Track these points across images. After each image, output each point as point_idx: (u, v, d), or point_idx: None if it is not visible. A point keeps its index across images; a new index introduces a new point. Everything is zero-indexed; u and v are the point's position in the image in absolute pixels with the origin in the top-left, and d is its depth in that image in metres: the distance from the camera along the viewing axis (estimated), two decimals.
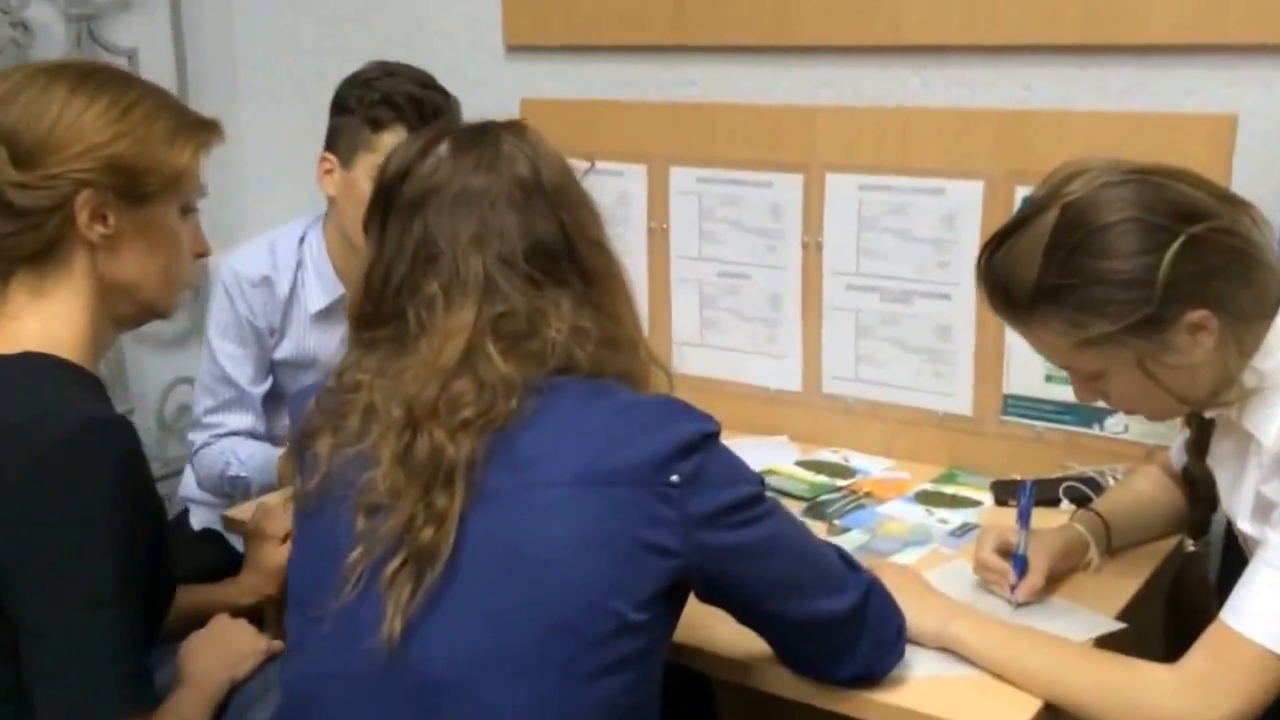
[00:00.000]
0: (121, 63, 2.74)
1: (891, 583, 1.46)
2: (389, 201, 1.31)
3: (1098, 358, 1.38)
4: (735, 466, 1.27)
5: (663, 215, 2.29)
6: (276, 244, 2.19)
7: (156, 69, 2.78)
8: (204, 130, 1.47)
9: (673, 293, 2.31)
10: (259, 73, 2.97)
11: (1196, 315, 1.32)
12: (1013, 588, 1.57)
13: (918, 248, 2.02)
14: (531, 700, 1.17)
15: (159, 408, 2.86)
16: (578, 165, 1.38)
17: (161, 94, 1.46)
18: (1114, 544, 1.69)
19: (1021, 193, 1.89)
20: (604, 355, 1.28)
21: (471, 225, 1.26)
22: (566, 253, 1.29)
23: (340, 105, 2.09)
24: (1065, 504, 1.86)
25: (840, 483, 2.03)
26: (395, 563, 1.18)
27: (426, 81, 2.08)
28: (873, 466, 2.11)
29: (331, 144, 2.10)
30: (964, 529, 1.83)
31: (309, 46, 2.83)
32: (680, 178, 2.25)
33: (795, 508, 1.93)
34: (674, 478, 1.20)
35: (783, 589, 1.30)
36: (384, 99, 2.03)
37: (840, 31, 2.06)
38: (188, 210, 1.48)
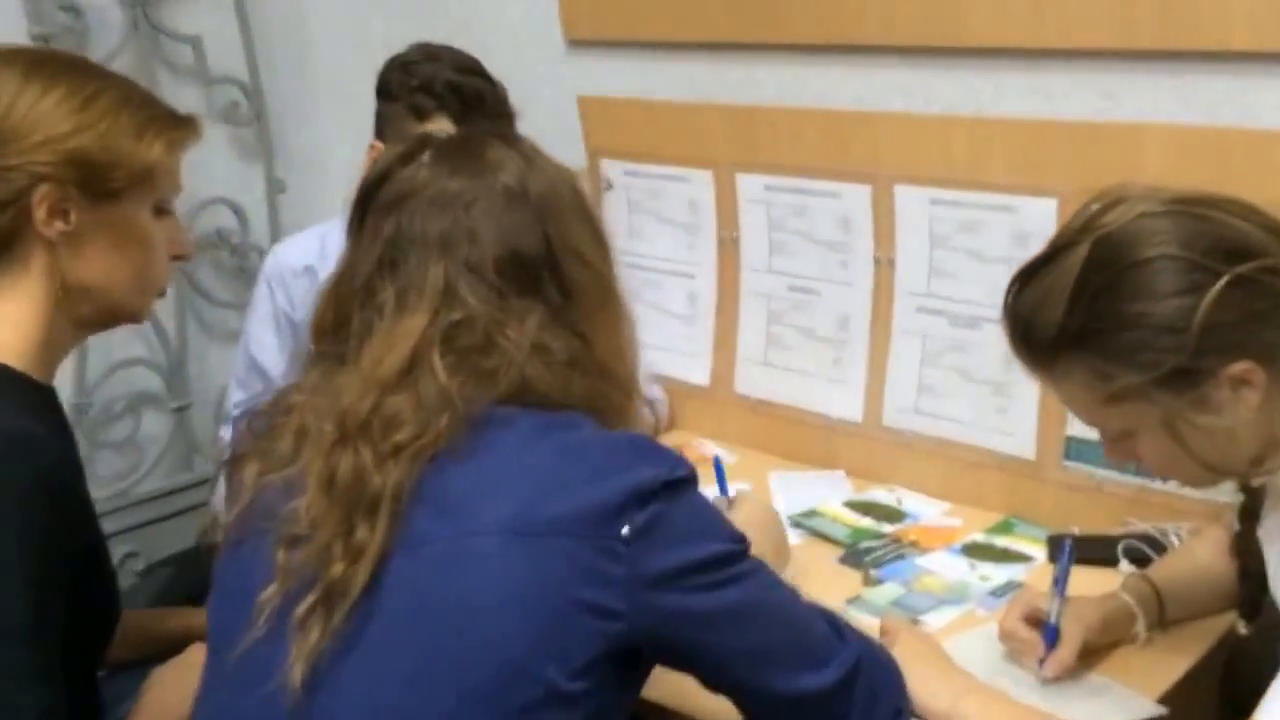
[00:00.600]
0: (185, 51, 2.73)
1: (906, 650, 1.31)
2: (365, 205, 1.21)
3: (1126, 414, 1.20)
4: (704, 520, 1.13)
5: (732, 224, 2.15)
6: (328, 235, 2.13)
7: (223, 58, 2.77)
8: (176, 125, 1.38)
9: (740, 307, 2.18)
10: (330, 64, 2.92)
11: (1239, 368, 1.13)
12: (1041, 661, 1.39)
13: (988, 269, 1.84)
14: None
15: (218, 401, 2.81)
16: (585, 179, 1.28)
17: (127, 84, 1.38)
18: (1168, 616, 1.48)
19: None
20: (571, 379, 1.15)
21: (440, 227, 1.16)
22: (547, 265, 1.17)
23: (383, 90, 2.02)
24: (1125, 564, 1.66)
25: (887, 528, 1.86)
26: (308, 601, 1.06)
27: (468, 66, 1.99)
28: (926, 510, 1.92)
29: (380, 132, 2.03)
30: (1007, 588, 1.64)
31: (378, 38, 2.76)
32: (747, 184, 2.11)
33: (833, 554, 1.78)
34: (624, 530, 1.06)
35: (755, 660, 1.13)
36: (423, 86, 1.95)
37: (909, 32, 1.89)
38: (162, 210, 1.39)
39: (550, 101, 2.36)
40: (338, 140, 2.90)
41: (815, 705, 1.16)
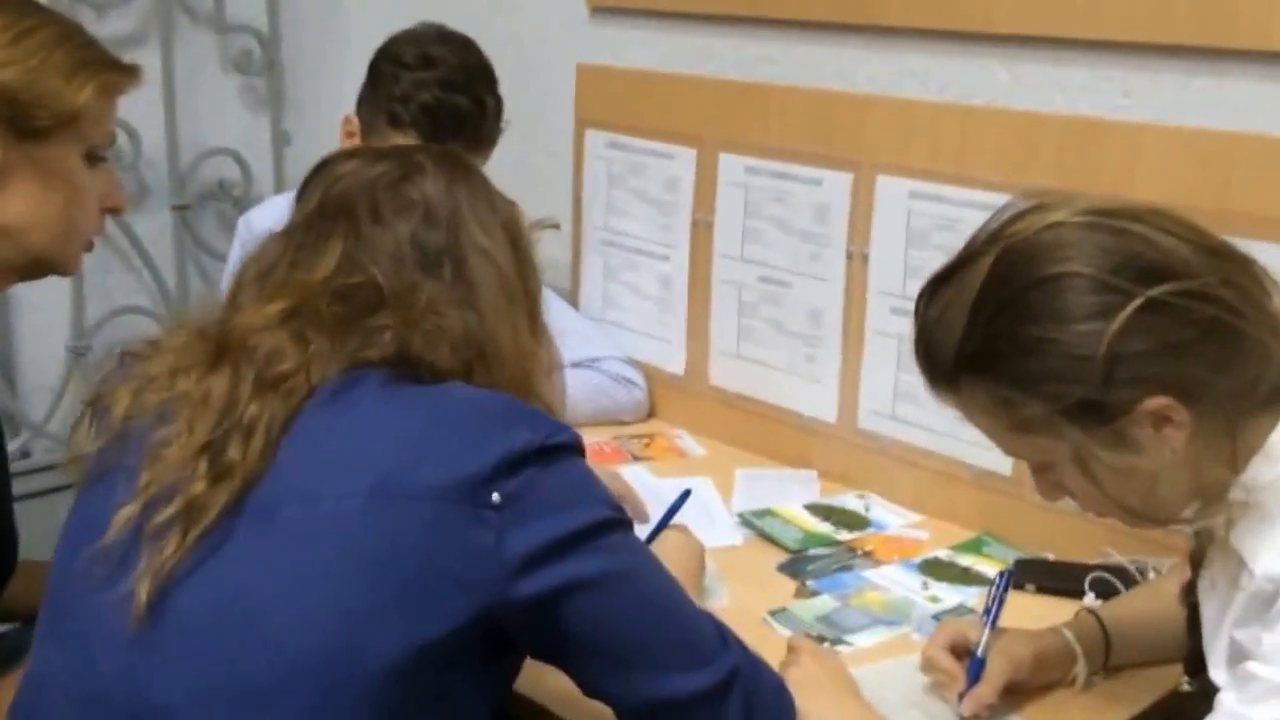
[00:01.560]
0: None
1: (802, 674, 1.23)
2: (310, 176, 1.23)
3: (1037, 446, 1.09)
4: (579, 488, 1.07)
5: (709, 206, 2.04)
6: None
7: (244, 6, 2.73)
8: (111, 69, 1.34)
9: (713, 294, 2.07)
10: (357, 22, 2.85)
11: (1156, 404, 1.01)
12: (961, 696, 1.28)
13: None
14: None
15: None
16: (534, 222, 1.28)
17: (68, 25, 1.34)
18: (1115, 660, 1.36)
19: None
20: (459, 355, 1.12)
21: (355, 202, 1.16)
22: (449, 253, 1.16)
23: (371, 73, 1.97)
24: (1090, 598, 1.54)
25: (844, 535, 1.74)
26: (166, 513, 1.02)
27: (458, 82, 1.91)
28: (893, 520, 1.81)
29: (358, 108, 1.98)
30: (956, 612, 1.53)
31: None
32: (728, 165, 2.00)
33: (775, 559, 1.67)
34: (494, 497, 1.01)
35: (621, 650, 1.07)
36: (402, 98, 1.89)
37: (929, 14, 1.78)
38: (95, 158, 1.36)
39: (557, 66, 2.29)
40: (350, 98, 2.81)
41: (683, 710, 1.08)
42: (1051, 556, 1.66)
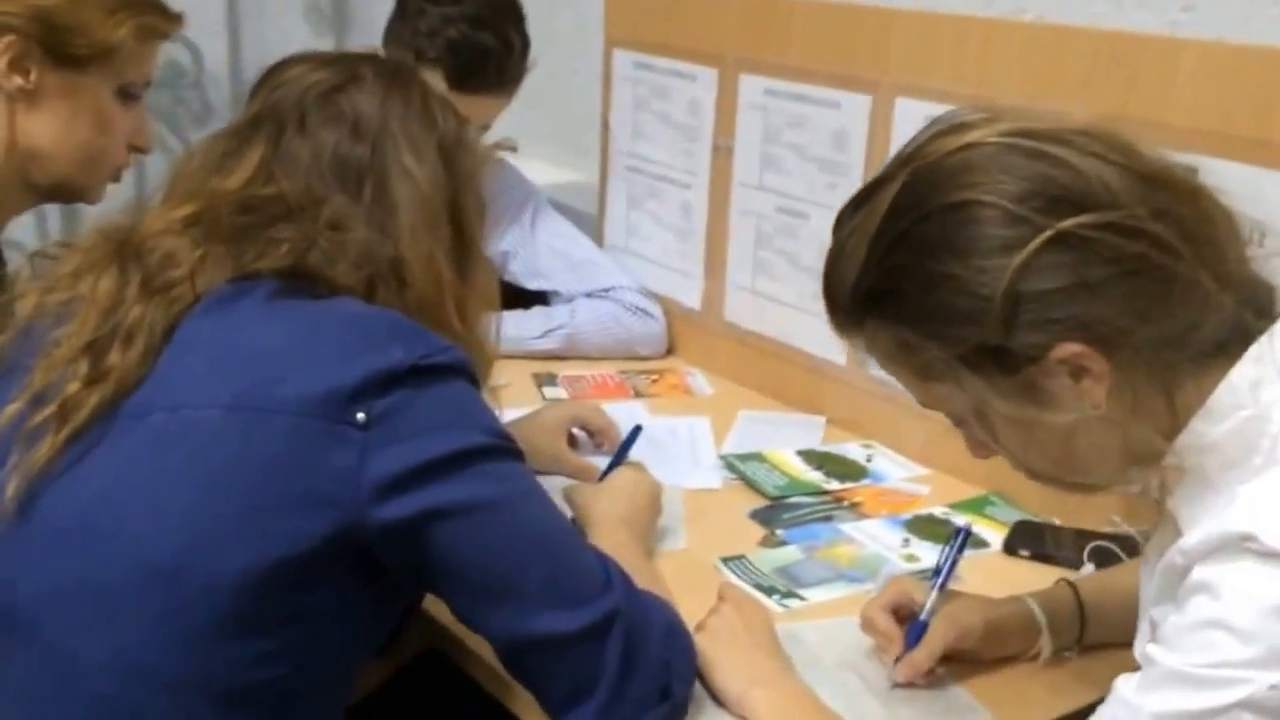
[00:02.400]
0: None
1: (721, 623, 1.15)
2: (254, 87, 1.21)
3: (947, 397, 0.96)
4: (455, 412, 1.00)
5: (729, 131, 1.90)
6: None
7: None
8: (153, 12, 1.40)
9: (730, 225, 1.93)
10: None
11: (1067, 351, 0.87)
12: (897, 660, 1.16)
13: None
14: (110, 652, 0.94)
15: None
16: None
17: None
18: (1091, 636, 1.22)
19: None
20: (358, 270, 1.07)
21: (284, 108, 1.14)
22: (371, 171, 1.12)
23: (401, 4, 1.93)
24: (1088, 568, 1.39)
25: (834, 485, 1.61)
26: (43, 414, 1.00)
27: (481, 20, 1.87)
28: (895, 473, 1.67)
29: (385, 40, 1.94)
30: (932, 574, 1.39)
31: None
32: (749, 87, 1.85)
33: (750, 504, 1.55)
34: (359, 416, 0.95)
35: (488, 582, 1.00)
36: (429, 32, 1.85)
37: None
38: (128, 96, 1.41)
39: None
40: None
41: (554, 650, 1.01)
42: (1058, 522, 1.50)
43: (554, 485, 1.45)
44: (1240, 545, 0.79)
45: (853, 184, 1.71)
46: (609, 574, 1.03)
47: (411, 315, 1.07)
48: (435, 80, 1.80)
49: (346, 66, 1.17)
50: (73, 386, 1.00)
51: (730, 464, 1.63)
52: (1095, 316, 0.86)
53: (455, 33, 1.84)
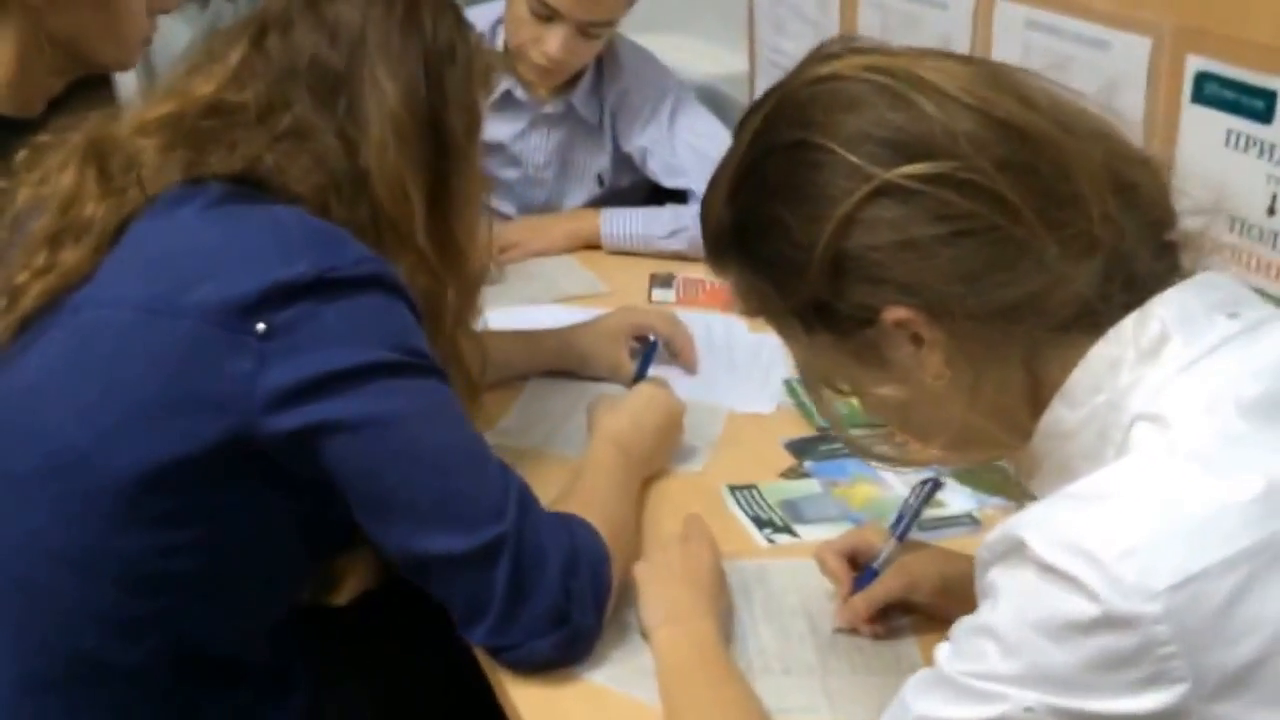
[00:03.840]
0: None
1: (659, 558, 1.16)
2: None
3: (801, 353, 0.89)
4: (360, 326, 1.02)
5: (852, 27, 1.80)
6: (476, 23, 2.03)
7: None
8: None
9: None
10: None
11: (895, 314, 0.79)
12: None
13: None
14: (24, 535, 1.03)
15: None
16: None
17: None
18: None
19: (1194, 65, 1.23)
20: (310, 178, 1.08)
21: (274, 12, 1.14)
22: (345, 83, 1.11)
23: None
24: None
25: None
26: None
27: None
28: None
29: None
30: (949, 522, 1.31)
31: None
32: None
33: (793, 432, 1.49)
34: (259, 326, 0.98)
35: (379, 497, 1.03)
36: None
37: None
38: None
39: None
40: None
41: (441, 570, 1.04)
42: None
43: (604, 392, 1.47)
44: (1021, 551, 0.72)
45: None
46: (507, 499, 1.04)
47: (366, 230, 1.08)
48: None
49: None
50: (22, 276, 1.06)
51: (792, 388, 1.58)
52: (922, 279, 0.78)
53: None
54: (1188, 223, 0.81)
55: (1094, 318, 0.77)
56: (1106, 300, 0.77)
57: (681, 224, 1.96)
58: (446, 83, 1.15)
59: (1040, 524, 0.71)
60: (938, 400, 0.82)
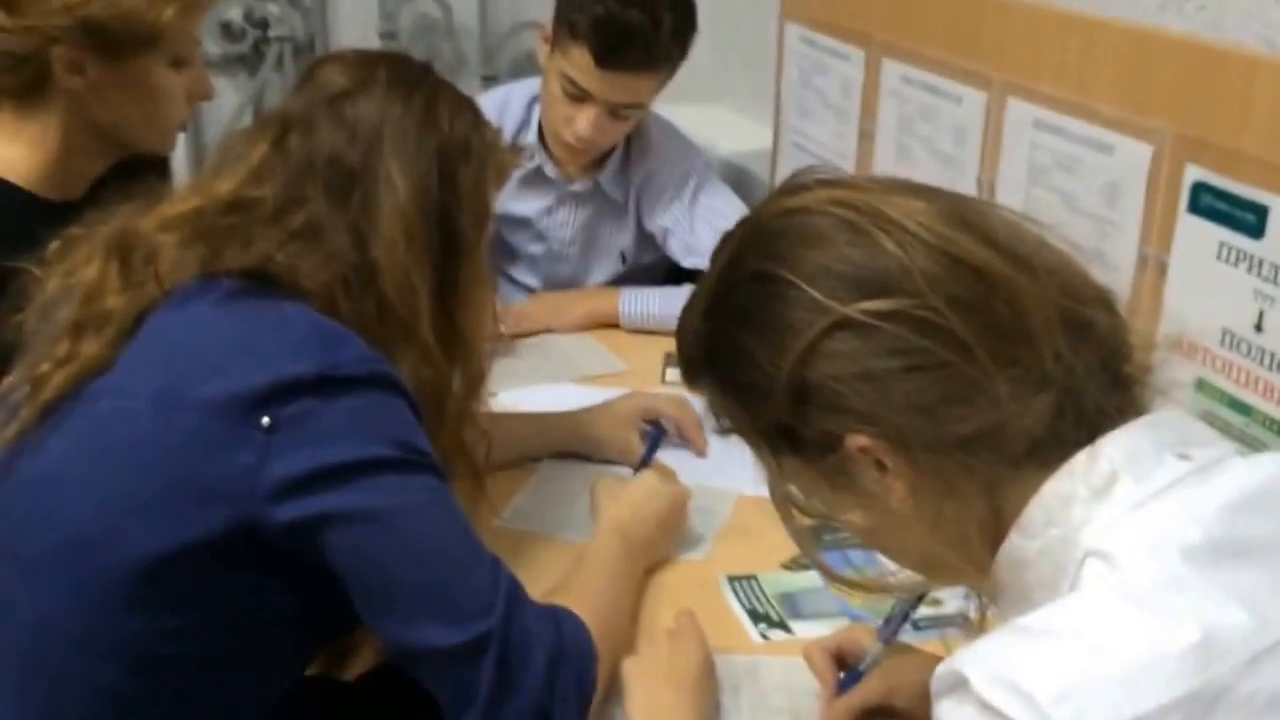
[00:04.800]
0: None
1: (648, 654, 1.18)
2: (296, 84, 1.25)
3: (771, 473, 0.91)
4: (359, 423, 1.05)
5: (872, 116, 1.83)
6: (512, 98, 2.10)
7: None
8: None
9: None
10: None
11: (859, 442, 0.81)
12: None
13: (1077, 223, 1.42)
14: (33, 616, 1.07)
15: None
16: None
17: None
18: None
19: (1192, 175, 1.24)
20: (320, 273, 1.11)
21: (295, 111, 1.17)
22: (360, 179, 1.14)
23: None
24: None
25: None
26: (23, 391, 1.10)
27: None
28: None
29: (554, 15, 1.92)
30: (944, 621, 1.31)
31: None
32: (890, 72, 1.77)
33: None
34: (264, 420, 1.02)
35: (375, 589, 1.06)
36: (580, 6, 1.83)
37: None
38: (180, 62, 1.48)
39: None
40: None
41: (430, 664, 1.06)
42: None
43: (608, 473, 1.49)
44: (965, 686, 0.73)
45: (968, 183, 1.63)
46: (496, 595, 1.06)
47: (372, 323, 1.11)
48: (582, 57, 1.83)
49: (365, 69, 1.19)
50: (45, 366, 1.09)
51: None
52: (881, 410, 0.80)
53: (601, 9, 1.80)
54: (1145, 357, 0.82)
55: (1047, 453, 0.79)
56: (1058, 436, 0.78)
57: None
58: (459, 180, 1.18)
59: (982, 660, 0.73)
60: (904, 524, 0.84)
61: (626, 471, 1.55)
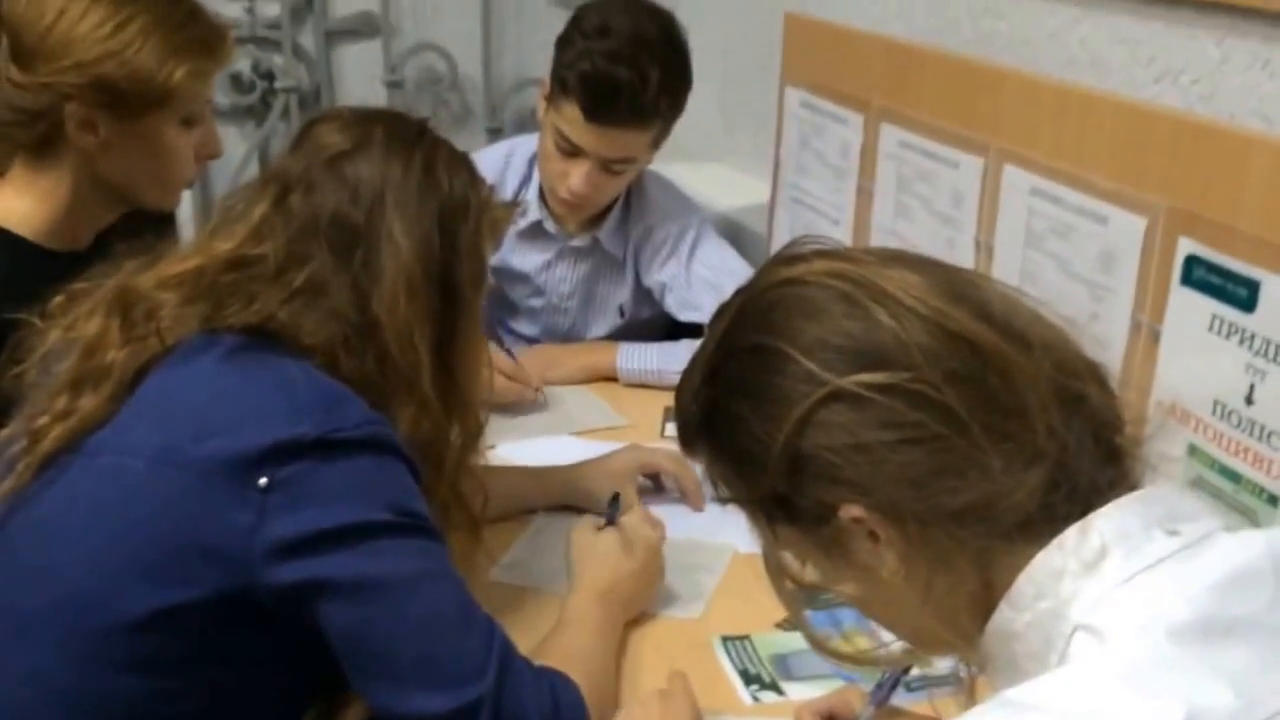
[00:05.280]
0: None
1: (639, 714, 1.19)
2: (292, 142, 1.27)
3: (769, 541, 0.92)
4: (356, 487, 1.06)
5: (870, 174, 1.85)
6: (515, 152, 2.12)
7: None
8: (201, 54, 1.46)
9: None
10: None
11: (852, 512, 0.82)
12: None
13: (1073, 288, 1.44)
14: (26, 670, 1.07)
15: None
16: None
17: (166, 6, 1.44)
18: None
19: (1185, 248, 1.26)
20: (323, 331, 1.13)
21: (297, 169, 1.19)
22: (363, 237, 1.16)
23: (560, 35, 1.94)
24: None
25: None
26: (22, 445, 1.11)
27: (619, 54, 1.84)
28: None
29: (551, 69, 1.95)
30: (932, 681, 1.32)
31: None
32: (888, 137, 1.80)
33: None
34: (261, 481, 1.03)
35: (367, 653, 1.06)
36: (570, 64, 1.86)
37: None
38: (191, 121, 1.50)
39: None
40: None
41: None
42: None
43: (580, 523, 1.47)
44: None
45: (966, 242, 1.65)
46: (489, 659, 1.07)
47: (373, 379, 1.12)
48: (572, 112, 1.86)
49: (362, 129, 1.20)
50: (43, 420, 1.10)
51: None
52: (874, 481, 0.81)
53: (590, 65, 1.83)
54: (1137, 430, 0.83)
55: (1038, 527, 0.80)
56: (1050, 510, 0.79)
57: None
58: (459, 238, 1.20)
59: None
60: (897, 595, 0.85)
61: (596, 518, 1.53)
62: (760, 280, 0.89)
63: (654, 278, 2.08)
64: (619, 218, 2.07)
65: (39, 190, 1.47)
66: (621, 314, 2.13)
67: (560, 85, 1.88)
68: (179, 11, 1.45)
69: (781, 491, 0.84)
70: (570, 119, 1.87)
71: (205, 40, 1.47)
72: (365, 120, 1.23)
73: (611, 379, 2.02)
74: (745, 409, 0.85)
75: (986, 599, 0.83)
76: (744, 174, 2.53)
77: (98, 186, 1.48)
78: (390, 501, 1.07)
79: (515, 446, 1.72)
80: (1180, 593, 0.74)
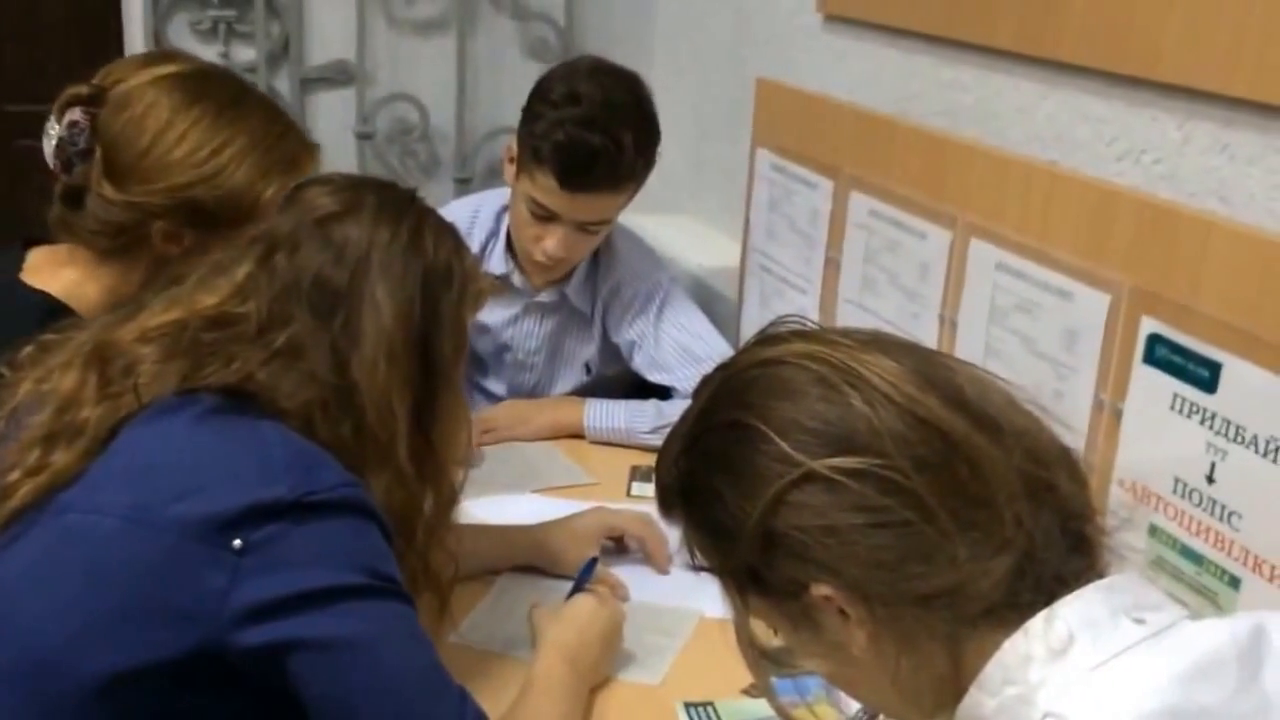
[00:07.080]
0: None
1: None
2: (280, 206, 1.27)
3: (739, 611, 0.94)
4: (329, 549, 1.05)
5: (838, 244, 1.88)
6: (483, 207, 2.13)
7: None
8: (291, 171, 1.46)
9: None
10: (665, 28, 2.86)
11: (822, 591, 0.84)
12: None
13: (1036, 365, 1.46)
14: None
15: None
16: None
17: (263, 126, 1.46)
18: None
19: (1148, 327, 1.28)
20: (301, 392, 1.12)
21: (283, 229, 1.19)
22: (344, 300, 1.16)
23: (526, 105, 1.95)
24: None
25: None
26: None
27: (592, 121, 1.85)
28: None
29: (519, 136, 1.96)
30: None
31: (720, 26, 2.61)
32: (857, 205, 1.82)
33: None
34: (235, 543, 1.02)
35: (338, 715, 1.05)
36: (542, 134, 1.87)
37: (1101, 53, 1.48)
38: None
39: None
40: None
41: None
42: None
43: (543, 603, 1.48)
44: None
45: (931, 318, 1.67)
46: (470, 712, 1.08)
47: (349, 445, 1.12)
48: (547, 180, 1.86)
49: (353, 194, 1.21)
50: (13, 475, 1.09)
51: None
52: (844, 562, 0.83)
53: (562, 135, 1.84)
54: (1105, 519, 0.85)
55: (1004, 614, 0.81)
56: (1015, 598, 0.81)
57: (665, 420, 1.99)
58: (441, 306, 1.20)
59: None
60: (866, 672, 0.86)
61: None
62: (740, 358, 0.91)
63: (622, 335, 2.09)
64: (586, 273, 2.08)
65: (104, 279, 1.45)
66: (588, 370, 2.14)
67: (532, 154, 1.88)
68: (276, 128, 1.47)
69: (754, 565, 0.85)
70: (545, 187, 1.88)
71: (296, 158, 1.48)
72: (356, 186, 1.24)
73: (578, 436, 2.02)
74: (722, 483, 0.86)
75: (956, 681, 0.84)
76: (713, 228, 2.55)
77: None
78: (364, 565, 1.06)
79: (476, 502, 1.71)
80: (1148, 683, 0.75)
